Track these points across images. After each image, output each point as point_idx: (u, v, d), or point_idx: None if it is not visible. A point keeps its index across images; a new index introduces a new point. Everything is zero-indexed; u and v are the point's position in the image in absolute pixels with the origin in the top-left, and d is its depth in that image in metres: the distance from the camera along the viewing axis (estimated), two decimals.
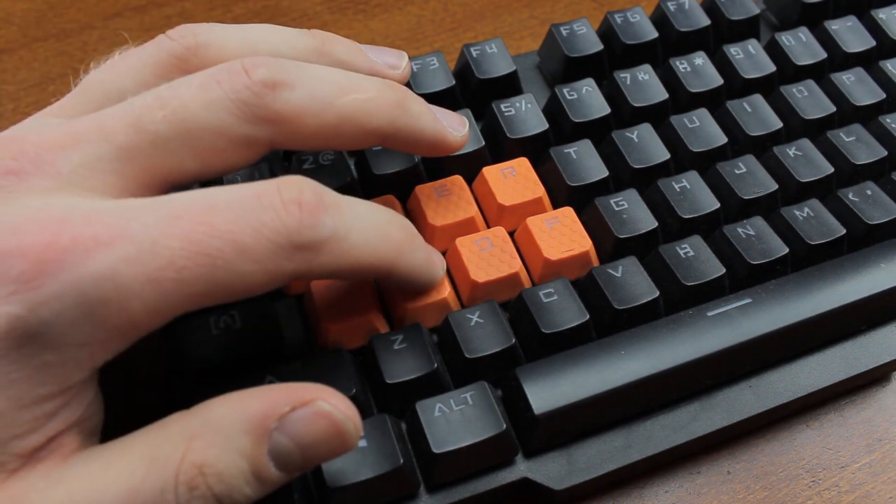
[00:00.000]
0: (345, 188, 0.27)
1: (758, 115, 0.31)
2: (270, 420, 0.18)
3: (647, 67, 0.31)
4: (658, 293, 0.26)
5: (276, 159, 0.29)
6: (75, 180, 0.18)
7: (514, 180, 0.28)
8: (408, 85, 0.30)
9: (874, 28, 0.35)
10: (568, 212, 0.27)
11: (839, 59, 0.34)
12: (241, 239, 0.18)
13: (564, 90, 0.30)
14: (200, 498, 0.17)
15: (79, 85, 0.22)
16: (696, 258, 0.27)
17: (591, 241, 0.27)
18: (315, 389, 0.19)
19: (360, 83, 0.22)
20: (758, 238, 0.27)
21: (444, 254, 0.27)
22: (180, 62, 0.22)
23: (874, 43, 0.34)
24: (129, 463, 0.17)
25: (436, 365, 0.23)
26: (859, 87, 0.33)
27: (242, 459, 0.18)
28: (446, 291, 0.25)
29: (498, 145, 0.29)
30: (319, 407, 0.18)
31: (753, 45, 0.33)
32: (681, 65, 0.32)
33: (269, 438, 0.18)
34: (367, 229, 0.20)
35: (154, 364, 0.26)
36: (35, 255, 0.16)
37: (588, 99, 0.30)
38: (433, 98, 0.29)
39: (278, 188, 0.19)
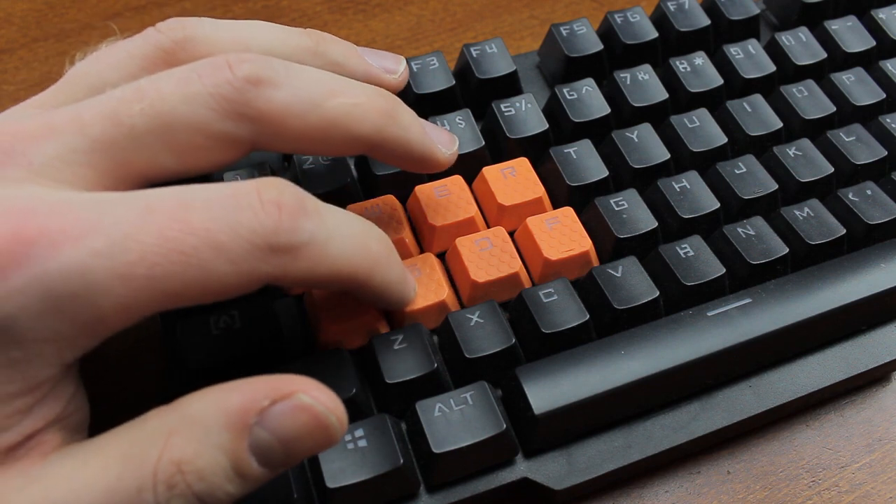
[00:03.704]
0: (345, 188, 0.27)
1: (758, 115, 0.31)
2: (250, 414, 0.17)
3: (647, 67, 0.31)
4: (658, 293, 0.26)
5: (276, 159, 0.29)
6: (47, 172, 0.18)
7: (514, 180, 0.28)
8: (408, 85, 0.30)
9: (874, 28, 0.35)
10: (568, 212, 0.27)
11: (839, 59, 0.34)
12: (218, 237, 0.17)
13: (564, 90, 0.30)
14: (180, 497, 0.17)
15: (63, 77, 0.21)
16: (696, 258, 0.27)
17: (591, 241, 0.27)
18: (296, 381, 0.18)
19: (349, 88, 0.22)
20: (758, 238, 0.27)
21: (444, 254, 0.27)
22: (167, 55, 0.21)
23: (874, 43, 0.34)
24: (105, 461, 0.17)
25: (436, 365, 0.23)
26: (859, 87, 0.33)
27: (222, 455, 0.17)
28: (445, 293, 0.25)
29: (498, 145, 0.29)
30: (300, 400, 0.18)
31: (753, 45, 0.33)
32: (681, 65, 0.32)
33: (249, 433, 0.17)
34: (347, 238, 0.20)
35: (154, 364, 0.26)
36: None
37: (588, 99, 0.30)
38: (433, 98, 0.30)
39: (258, 189, 0.18)
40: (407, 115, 0.23)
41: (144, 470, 0.17)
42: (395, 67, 0.26)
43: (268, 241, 0.18)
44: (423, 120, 0.24)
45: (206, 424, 0.17)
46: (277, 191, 0.18)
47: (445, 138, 0.25)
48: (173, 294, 0.17)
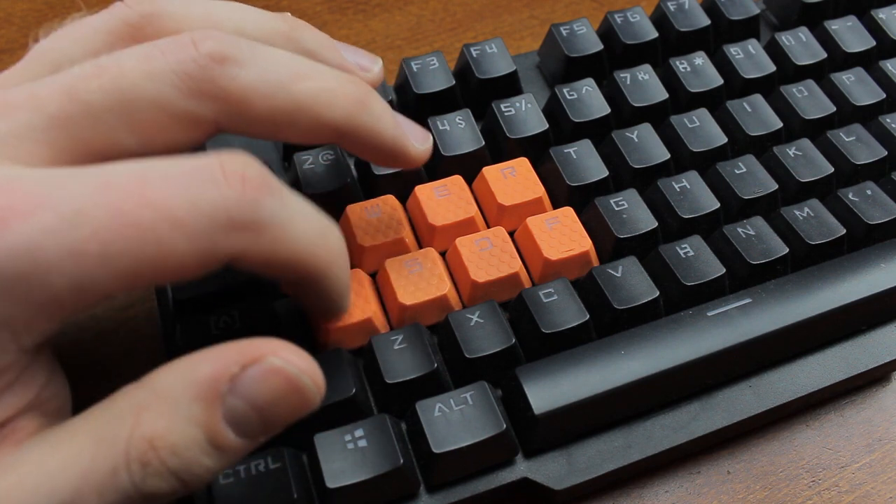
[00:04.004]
0: (345, 188, 0.27)
1: (758, 115, 0.31)
2: (221, 382, 0.16)
3: (647, 67, 0.31)
4: (658, 293, 0.26)
5: (276, 161, 0.29)
6: (2, 150, 0.17)
7: (514, 180, 0.28)
8: (408, 85, 0.30)
9: (874, 28, 0.35)
10: (568, 212, 0.27)
11: (839, 59, 0.34)
12: (176, 212, 0.16)
13: (564, 90, 0.30)
14: (156, 475, 0.16)
15: (26, 55, 0.21)
16: (696, 258, 0.27)
17: (591, 241, 0.27)
18: (266, 344, 0.17)
19: (319, 72, 0.21)
20: (758, 238, 0.27)
21: (444, 254, 0.27)
22: (134, 31, 0.20)
23: (874, 43, 0.34)
24: (77, 444, 0.16)
25: (436, 365, 0.23)
26: (859, 87, 0.33)
27: (196, 428, 0.16)
28: (446, 287, 0.25)
29: (498, 145, 0.29)
30: (271, 363, 0.17)
31: (753, 45, 0.33)
32: (681, 65, 0.32)
33: (222, 403, 0.16)
34: (309, 224, 0.19)
35: (154, 364, 0.26)
36: None
37: (588, 99, 0.30)
38: (433, 98, 0.30)
39: (221, 162, 0.17)
40: (379, 104, 0.22)
41: (116, 449, 0.16)
42: (369, 66, 0.25)
43: (229, 216, 0.17)
44: (396, 113, 0.23)
45: (175, 397, 0.16)
46: (242, 164, 0.18)
47: (419, 133, 0.24)
48: (129, 272, 0.16)
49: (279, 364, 0.17)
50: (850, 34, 0.34)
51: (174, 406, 0.16)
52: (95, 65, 0.18)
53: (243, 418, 0.17)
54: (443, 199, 0.27)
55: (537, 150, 0.29)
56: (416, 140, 0.24)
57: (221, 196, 0.17)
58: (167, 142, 0.19)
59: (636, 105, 0.30)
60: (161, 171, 0.17)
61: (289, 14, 0.23)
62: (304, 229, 0.19)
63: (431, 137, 0.25)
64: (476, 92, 0.30)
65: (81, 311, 0.17)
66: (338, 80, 0.21)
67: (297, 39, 0.23)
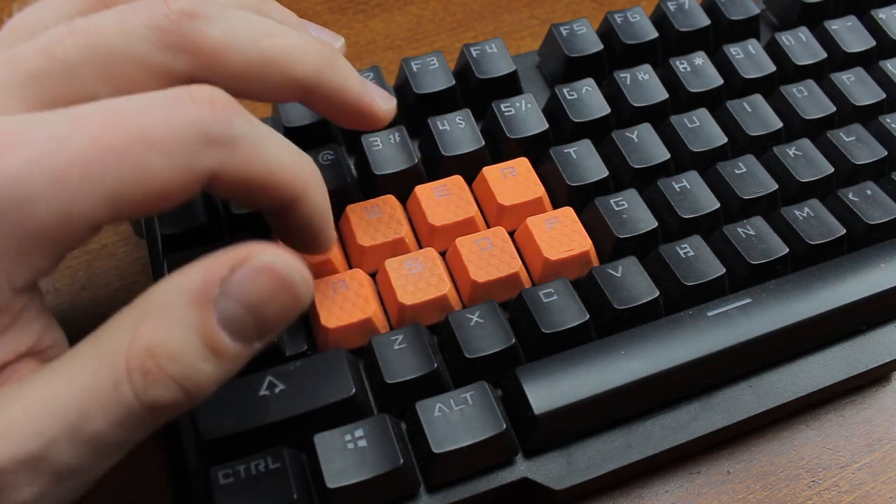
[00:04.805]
0: (344, 188, 0.27)
1: (758, 115, 0.31)
2: (212, 286, 0.17)
3: (647, 67, 0.31)
4: (658, 293, 0.26)
5: None
6: None
7: (514, 180, 0.28)
8: (408, 85, 0.30)
9: (874, 28, 0.35)
10: (568, 212, 0.27)
11: (839, 59, 0.34)
12: (151, 131, 0.17)
13: (564, 90, 0.30)
14: (156, 383, 0.16)
15: (2, 28, 0.21)
16: (696, 258, 0.27)
17: (591, 241, 0.27)
18: (254, 246, 0.18)
19: (287, 31, 0.22)
20: (758, 238, 0.27)
21: (444, 254, 0.27)
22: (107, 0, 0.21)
23: (874, 43, 0.34)
24: (78, 364, 0.17)
25: (436, 365, 0.23)
26: (859, 87, 0.33)
27: (192, 333, 0.17)
28: (446, 287, 0.25)
29: (498, 145, 0.29)
30: (259, 261, 0.17)
31: (753, 45, 0.33)
32: (681, 65, 0.32)
33: (214, 306, 0.17)
34: (281, 146, 0.20)
35: None
36: None
37: (588, 99, 0.30)
38: (433, 98, 0.30)
39: (188, 90, 0.18)
40: (344, 64, 0.23)
41: (117, 362, 0.16)
42: (332, 41, 0.26)
43: (202, 132, 0.18)
44: (361, 76, 0.24)
45: (170, 306, 0.17)
46: (209, 91, 0.19)
47: (383, 94, 0.25)
48: (112, 195, 0.17)
49: (268, 261, 0.17)
50: (850, 34, 0.34)
51: (169, 315, 0.17)
52: (70, 26, 0.19)
53: (236, 320, 0.17)
54: (443, 199, 0.27)
55: (537, 150, 0.29)
56: (380, 99, 0.24)
57: (193, 115, 0.18)
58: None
59: (636, 105, 0.30)
60: (133, 101, 0.18)
61: None
62: (277, 149, 0.20)
63: (394, 99, 0.25)
64: (476, 92, 0.30)
65: (71, 243, 0.17)
66: (305, 39, 0.22)
67: (265, 12, 0.23)
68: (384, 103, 0.24)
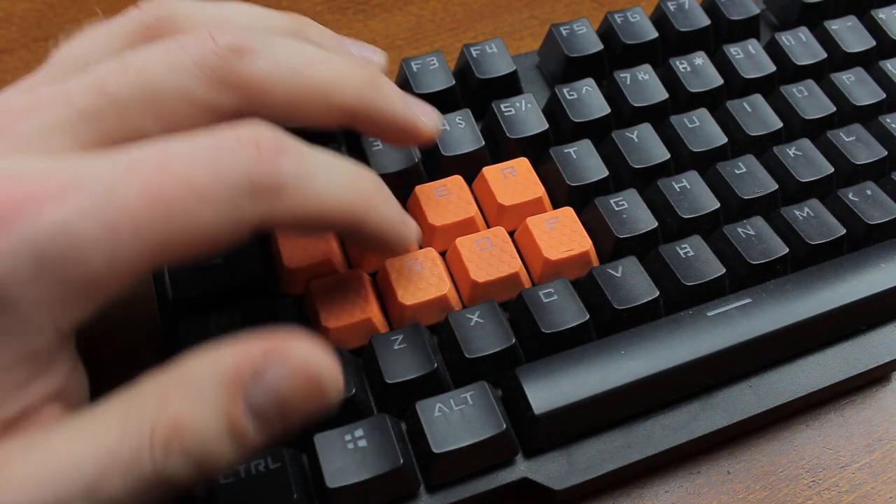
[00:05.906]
0: None
1: (758, 115, 0.31)
2: (246, 373, 0.17)
3: (647, 67, 0.31)
4: (658, 293, 0.26)
5: None
6: (34, 143, 0.18)
7: (514, 180, 0.28)
8: (408, 85, 0.30)
9: (874, 28, 0.35)
10: (568, 212, 0.27)
11: (839, 59, 0.34)
12: (198, 181, 0.17)
13: (564, 90, 0.30)
14: (177, 459, 0.16)
15: (48, 60, 0.21)
16: (696, 258, 0.27)
17: (591, 241, 0.27)
18: (292, 337, 0.18)
19: (329, 57, 0.22)
20: (758, 238, 0.27)
21: (443, 254, 0.27)
22: (149, 31, 0.21)
23: (874, 43, 0.34)
24: (105, 424, 0.17)
25: (436, 365, 0.23)
26: (859, 87, 0.33)
27: (219, 416, 0.17)
28: (446, 287, 0.25)
29: (498, 145, 0.29)
30: (296, 361, 0.17)
31: (753, 45, 0.33)
32: (681, 65, 0.32)
33: (245, 393, 0.17)
34: (334, 175, 0.20)
35: (154, 364, 0.26)
36: None
37: (588, 99, 0.30)
38: (433, 98, 0.29)
39: (235, 130, 0.18)
40: (388, 85, 0.23)
41: (142, 431, 0.16)
42: (372, 57, 0.26)
43: (249, 181, 0.18)
44: (404, 92, 0.24)
45: (202, 383, 0.17)
46: (254, 130, 0.19)
47: (427, 110, 0.25)
48: (161, 245, 0.17)
49: (303, 360, 0.17)
50: (850, 34, 0.34)
51: (200, 392, 0.17)
52: (121, 61, 0.19)
53: (264, 411, 0.17)
54: (443, 199, 0.27)
55: (537, 150, 0.29)
56: (425, 116, 0.24)
57: (239, 163, 0.18)
58: (190, 131, 0.20)
59: (636, 105, 0.30)
60: (182, 146, 0.18)
61: (295, 13, 0.24)
62: (329, 181, 0.20)
63: (439, 114, 0.25)
64: (476, 92, 0.30)
65: (116, 290, 0.17)
66: (347, 64, 0.22)
67: (305, 35, 0.24)
68: (427, 119, 0.24)
